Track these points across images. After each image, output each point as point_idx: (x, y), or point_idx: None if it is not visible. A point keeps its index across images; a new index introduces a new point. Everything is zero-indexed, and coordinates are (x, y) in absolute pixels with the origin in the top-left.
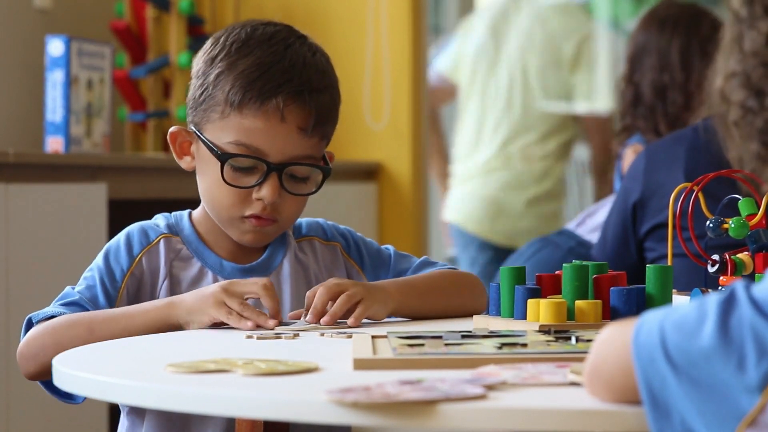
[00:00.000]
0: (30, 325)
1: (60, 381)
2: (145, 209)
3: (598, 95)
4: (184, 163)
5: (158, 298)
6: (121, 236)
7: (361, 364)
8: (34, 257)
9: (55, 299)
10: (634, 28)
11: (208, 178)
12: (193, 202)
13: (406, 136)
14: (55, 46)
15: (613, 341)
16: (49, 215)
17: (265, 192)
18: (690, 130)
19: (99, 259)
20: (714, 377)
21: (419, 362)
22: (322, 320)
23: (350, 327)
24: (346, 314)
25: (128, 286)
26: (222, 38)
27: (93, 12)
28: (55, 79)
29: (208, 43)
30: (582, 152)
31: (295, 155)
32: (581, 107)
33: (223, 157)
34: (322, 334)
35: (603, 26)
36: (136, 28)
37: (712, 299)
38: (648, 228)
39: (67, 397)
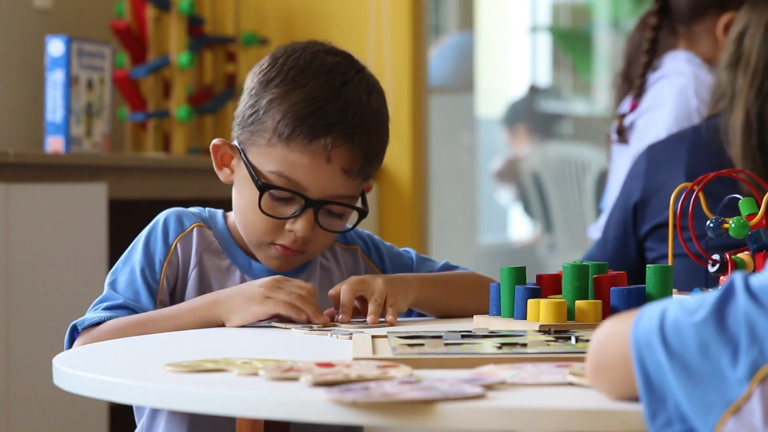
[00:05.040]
0: (74, 331)
1: (60, 381)
2: (145, 209)
3: (598, 94)
4: (223, 174)
5: (187, 286)
6: (158, 222)
7: None
8: (34, 257)
9: (96, 301)
10: (632, 26)
11: (244, 200)
12: (193, 203)
13: (406, 136)
14: (55, 46)
15: (614, 335)
16: (49, 215)
17: (299, 226)
18: (691, 130)
19: (138, 249)
20: (707, 364)
21: (419, 362)
22: (368, 320)
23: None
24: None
25: (167, 275)
26: (281, 60)
27: (93, 12)
28: (55, 79)
29: (266, 62)
30: (581, 152)
31: (335, 194)
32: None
33: (263, 188)
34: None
35: (603, 26)
36: (136, 28)
37: (713, 293)
38: (649, 228)
39: None
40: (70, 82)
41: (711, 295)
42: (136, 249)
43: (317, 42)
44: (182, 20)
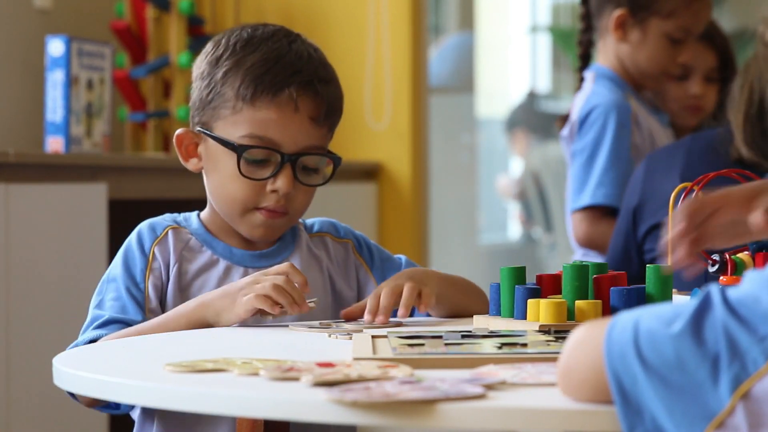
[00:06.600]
0: None
1: (60, 381)
2: (145, 209)
3: None
4: (191, 165)
5: (168, 287)
6: (132, 237)
7: None
8: (34, 257)
9: (85, 326)
10: None
11: (221, 174)
12: (193, 203)
13: (406, 136)
14: (56, 46)
15: (586, 341)
16: (49, 215)
17: (280, 183)
18: (689, 138)
19: (117, 266)
20: (685, 377)
21: (419, 362)
22: (399, 314)
23: (400, 323)
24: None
25: (152, 283)
26: (223, 40)
27: (93, 12)
28: (55, 79)
29: (209, 46)
30: None
31: (307, 145)
32: None
33: (239, 149)
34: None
35: None
36: (136, 28)
37: (689, 303)
38: (646, 229)
39: (116, 407)
40: (70, 82)
41: (686, 306)
42: (116, 267)
43: (251, 23)
44: (182, 20)
